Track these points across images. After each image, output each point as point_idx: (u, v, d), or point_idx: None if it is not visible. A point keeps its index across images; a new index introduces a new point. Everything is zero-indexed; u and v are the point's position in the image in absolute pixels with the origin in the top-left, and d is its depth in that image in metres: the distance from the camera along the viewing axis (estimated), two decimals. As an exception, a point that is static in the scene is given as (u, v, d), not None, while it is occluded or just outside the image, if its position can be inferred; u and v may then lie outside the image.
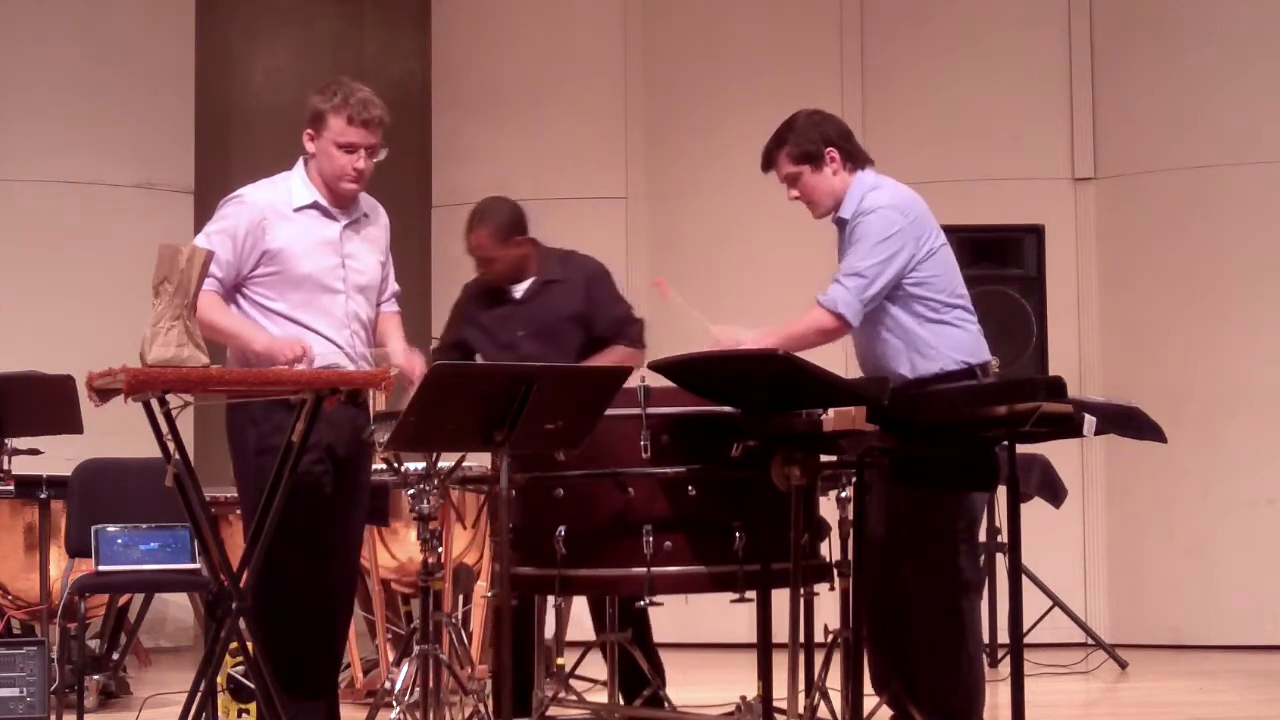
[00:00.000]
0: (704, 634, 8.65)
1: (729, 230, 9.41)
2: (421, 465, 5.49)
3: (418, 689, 5.48)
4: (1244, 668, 8.15)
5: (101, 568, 5.91)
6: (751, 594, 5.02)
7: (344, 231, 5.45)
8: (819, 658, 5.65)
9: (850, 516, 5.55)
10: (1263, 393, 8.83)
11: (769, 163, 5.47)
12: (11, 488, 6.90)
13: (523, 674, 5.69)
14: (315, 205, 5.41)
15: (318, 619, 5.34)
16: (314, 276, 5.36)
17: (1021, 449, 4.72)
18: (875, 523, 5.23)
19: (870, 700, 5.28)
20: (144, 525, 5.95)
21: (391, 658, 6.78)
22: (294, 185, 5.43)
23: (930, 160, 8.91)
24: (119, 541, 5.92)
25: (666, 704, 5.89)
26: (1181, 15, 9.11)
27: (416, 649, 5.47)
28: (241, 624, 4.89)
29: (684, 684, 6.57)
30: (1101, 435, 4.64)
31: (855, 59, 9.44)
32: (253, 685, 5.18)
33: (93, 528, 5.94)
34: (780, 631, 4.97)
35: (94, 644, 7.18)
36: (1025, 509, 5.02)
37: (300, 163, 5.47)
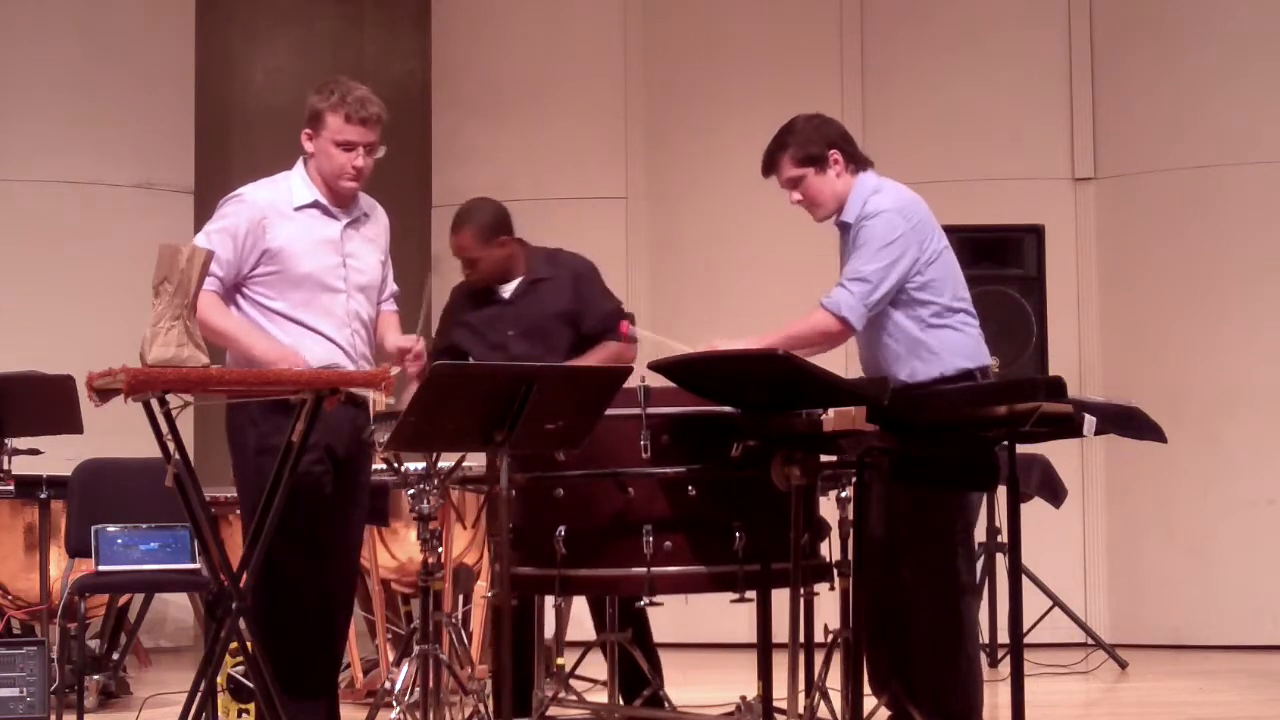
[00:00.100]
0: (704, 634, 8.65)
1: (729, 230, 9.41)
2: (421, 465, 5.49)
3: (418, 689, 5.48)
4: (1244, 668, 8.15)
5: (101, 568, 5.91)
6: (751, 594, 5.02)
7: (345, 230, 5.45)
8: (819, 658, 5.65)
9: (850, 516, 5.55)
10: (1263, 393, 8.83)
11: (770, 167, 5.46)
12: (11, 488, 6.90)
13: (523, 674, 5.69)
14: (316, 204, 5.41)
15: (318, 619, 5.33)
16: (314, 275, 5.36)
17: (1021, 449, 4.72)
18: (875, 523, 5.23)
19: (870, 700, 5.28)
20: (144, 525, 5.95)
21: (391, 658, 6.78)
22: (294, 184, 5.43)
23: (930, 160, 8.91)
24: (119, 541, 5.92)
25: (666, 704, 5.89)
26: (1181, 15, 9.11)
27: (416, 649, 5.47)
28: (241, 624, 4.88)
29: (684, 684, 6.57)
30: (1101, 435, 4.64)
31: (855, 59, 9.44)
32: (253, 685, 5.18)
33: (93, 528, 5.94)
34: (780, 631, 4.97)
35: (94, 644, 7.18)
36: (1025, 509, 5.02)
37: (299, 162, 5.47)
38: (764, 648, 5.04)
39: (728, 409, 5.03)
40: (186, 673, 6.28)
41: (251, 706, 5.55)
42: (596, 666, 6.26)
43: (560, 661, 6.66)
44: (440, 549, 5.53)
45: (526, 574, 5.16)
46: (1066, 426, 4.49)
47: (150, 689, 7.18)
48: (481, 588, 6.72)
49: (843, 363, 5.71)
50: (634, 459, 5.03)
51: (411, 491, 5.45)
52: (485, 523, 6.24)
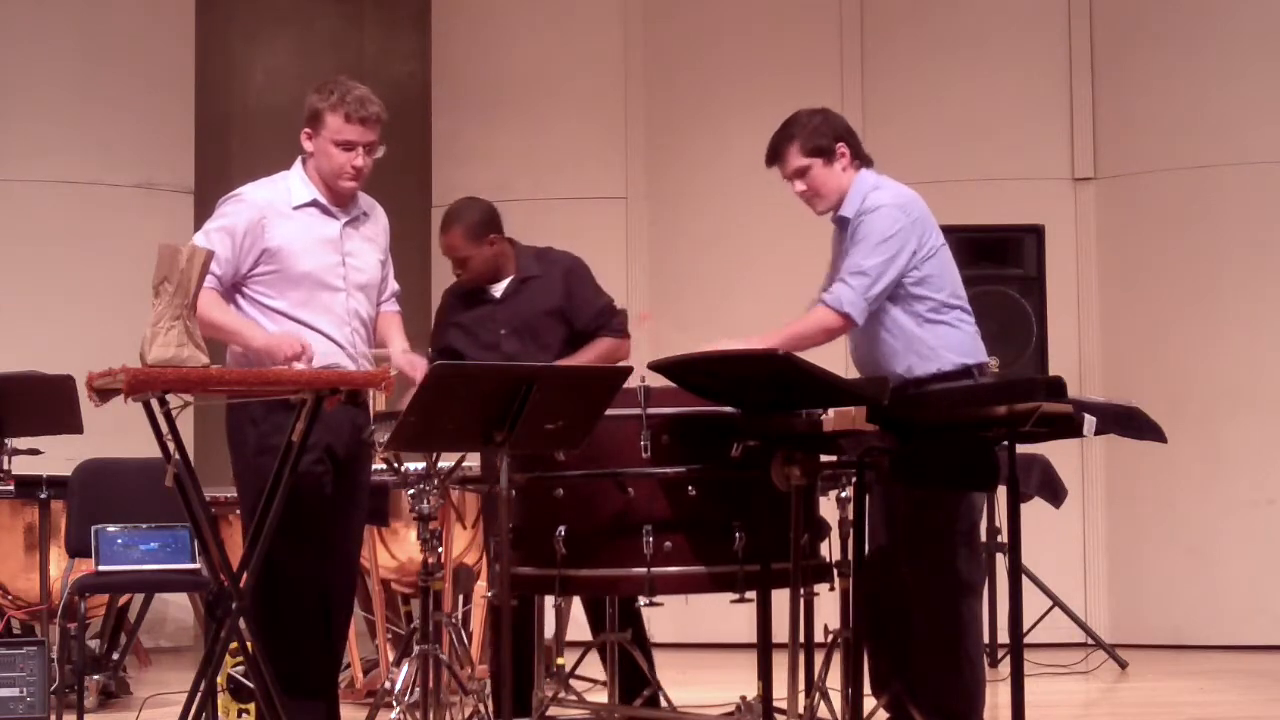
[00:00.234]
0: (704, 634, 8.66)
1: (729, 230, 9.41)
2: (421, 465, 5.49)
3: (418, 689, 5.48)
4: (1244, 668, 8.15)
5: (101, 568, 5.91)
6: (751, 594, 5.02)
7: (344, 229, 5.45)
8: (819, 658, 5.65)
9: (850, 516, 5.54)
10: (1263, 393, 8.83)
11: (775, 156, 5.45)
12: (11, 488, 6.90)
13: (523, 674, 5.69)
14: (315, 203, 5.41)
15: (318, 619, 5.33)
16: (314, 274, 5.36)
17: (1021, 449, 4.72)
18: (875, 523, 5.23)
19: (870, 700, 5.28)
20: (144, 525, 5.95)
21: (391, 658, 6.78)
22: (293, 184, 5.44)
23: (930, 160, 8.91)
24: (119, 541, 5.92)
25: (665, 703, 5.89)
26: (1181, 15, 9.11)
27: (416, 649, 5.47)
28: (241, 624, 4.88)
29: (684, 684, 6.57)
30: (1101, 435, 4.64)
31: (855, 59, 9.44)
32: (253, 685, 5.18)
33: (93, 528, 5.94)
34: (780, 631, 4.97)
35: (94, 644, 7.18)
36: (1025, 509, 5.02)
37: (298, 162, 5.47)
38: (764, 648, 5.04)
39: (728, 409, 5.03)
40: (186, 673, 6.28)
41: (251, 706, 5.55)
42: (596, 667, 6.26)
43: (560, 661, 6.66)
44: (440, 549, 5.53)
45: (526, 574, 5.16)
46: (1066, 426, 4.49)
47: (150, 689, 7.17)
48: (481, 588, 6.72)
49: (843, 363, 5.70)
50: (634, 459, 5.03)
51: (411, 491, 5.46)
52: (484, 523, 6.25)
